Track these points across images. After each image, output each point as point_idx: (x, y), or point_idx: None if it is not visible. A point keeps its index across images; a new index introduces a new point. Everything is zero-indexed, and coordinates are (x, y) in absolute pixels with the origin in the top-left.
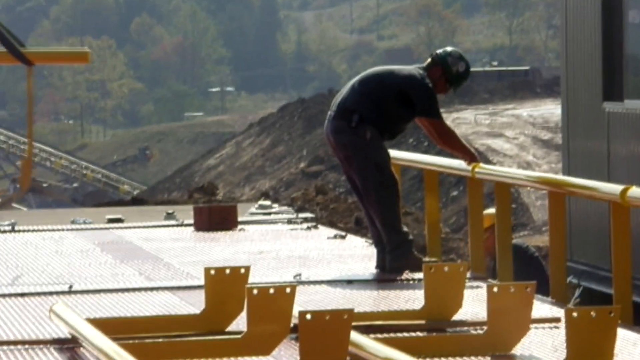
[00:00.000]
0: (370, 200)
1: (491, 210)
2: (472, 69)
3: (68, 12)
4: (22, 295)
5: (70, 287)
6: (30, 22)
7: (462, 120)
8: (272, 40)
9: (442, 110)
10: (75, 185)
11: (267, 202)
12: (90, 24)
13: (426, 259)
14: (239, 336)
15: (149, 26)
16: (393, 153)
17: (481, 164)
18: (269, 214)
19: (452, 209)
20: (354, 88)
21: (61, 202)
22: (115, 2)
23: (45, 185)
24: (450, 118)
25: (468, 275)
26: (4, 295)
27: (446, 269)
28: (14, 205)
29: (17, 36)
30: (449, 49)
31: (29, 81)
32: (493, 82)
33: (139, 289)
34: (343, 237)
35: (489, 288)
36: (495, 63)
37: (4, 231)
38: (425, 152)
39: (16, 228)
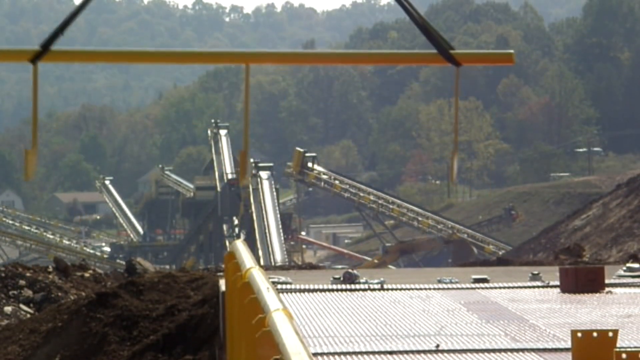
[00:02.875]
0: None
1: None
2: None
3: (437, 74)
4: (391, 353)
5: (437, 346)
6: (400, 85)
7: None
8: None
9: None
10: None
11: (636, 265)
12: None
13: None
14: None
15: (516, 87)
16: None
17: None
18: (638, 276)
19: None
20: None
21: (430, 252)
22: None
23: (412, 240)
24: None
25: None
26: (373, 353)
27: None
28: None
29: (445, 38)
30: None
31: None
32: None
33: (505, 350)
34: None
35: None
36: None
37: (374, 289)
38: None
39: (385, 286)
